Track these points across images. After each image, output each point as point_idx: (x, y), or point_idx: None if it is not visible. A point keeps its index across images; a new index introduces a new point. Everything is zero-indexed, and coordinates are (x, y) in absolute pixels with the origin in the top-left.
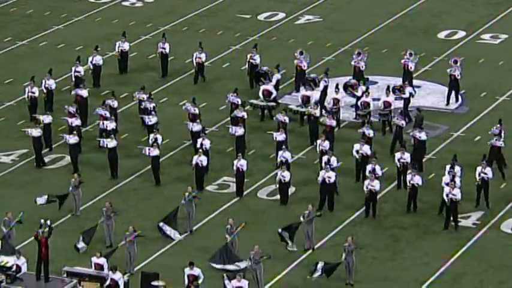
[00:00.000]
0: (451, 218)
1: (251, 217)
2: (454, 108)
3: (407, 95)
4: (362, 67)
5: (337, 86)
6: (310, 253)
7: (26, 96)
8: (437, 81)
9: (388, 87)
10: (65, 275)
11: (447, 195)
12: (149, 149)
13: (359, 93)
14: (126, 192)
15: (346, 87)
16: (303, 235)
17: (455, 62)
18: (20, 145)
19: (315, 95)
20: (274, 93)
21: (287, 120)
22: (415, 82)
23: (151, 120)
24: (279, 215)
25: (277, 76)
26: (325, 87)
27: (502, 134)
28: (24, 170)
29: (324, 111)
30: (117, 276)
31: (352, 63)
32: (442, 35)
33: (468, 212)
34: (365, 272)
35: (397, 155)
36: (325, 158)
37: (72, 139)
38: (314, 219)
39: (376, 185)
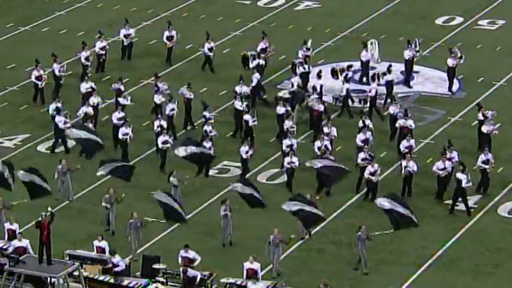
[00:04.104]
0: (457, 202)
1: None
2: (451, 93)
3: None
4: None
5: (319, 73)
6: (308, 238)
7: (34, 79)
8: (435, 66)
9: (374, 74)
10: (67, 258)
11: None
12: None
13: (340, 79)
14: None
15: (333, 72)
16: (298, 224)
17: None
18: (23, 130)
19: (295, 80)
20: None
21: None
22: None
23: (169, 107)
24: (279, 199)
25: (257, 61)
26: (307, 73)
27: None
28: (26, 154)
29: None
30: (116, 259)
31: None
32: (439, 21)
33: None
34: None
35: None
36: (318, 143)
37: (68, 124)
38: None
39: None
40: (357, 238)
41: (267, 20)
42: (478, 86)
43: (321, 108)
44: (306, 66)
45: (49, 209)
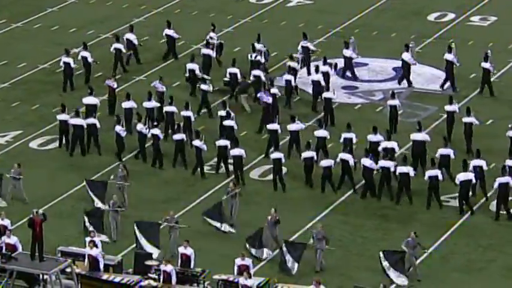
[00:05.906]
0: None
1: (244, 198)
2: (444, 89)
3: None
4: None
5: (259, 64)
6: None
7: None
8: (427, 63)
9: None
10: (59, 255)
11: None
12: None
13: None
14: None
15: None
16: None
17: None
18: (14, 126)
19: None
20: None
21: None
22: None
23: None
24: (272, 195)
25: (203, 51)
26: (257, 63)
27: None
28: (19, 151)
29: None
30: (95, 252)
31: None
32: (432, 17)
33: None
34: (355, 252)
35: None
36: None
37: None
38: (277, 224)
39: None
40: (404, 244)
41: (259, 16)
42: (470, 82)
43: (270, 100)
44: (254, 55)
45: (40, 211)
